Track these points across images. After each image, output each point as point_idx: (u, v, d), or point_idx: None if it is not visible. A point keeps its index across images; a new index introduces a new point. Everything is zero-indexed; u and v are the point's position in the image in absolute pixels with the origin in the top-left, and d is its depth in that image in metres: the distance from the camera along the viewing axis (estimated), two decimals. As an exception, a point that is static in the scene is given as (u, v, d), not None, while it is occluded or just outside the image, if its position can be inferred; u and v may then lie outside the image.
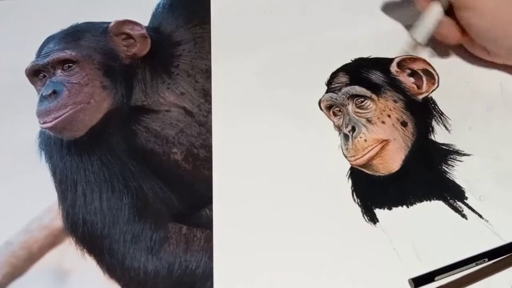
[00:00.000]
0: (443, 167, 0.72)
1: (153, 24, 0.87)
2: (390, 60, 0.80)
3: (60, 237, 0.73)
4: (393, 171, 0.73)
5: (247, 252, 0.69)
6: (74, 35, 0.83)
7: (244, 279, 0.68)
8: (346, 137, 0.75)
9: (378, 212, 0.70)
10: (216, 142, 0.78)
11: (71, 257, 0.72)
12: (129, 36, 0.83)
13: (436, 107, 0.76)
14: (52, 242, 0.73)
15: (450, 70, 0.79)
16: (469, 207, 0.69)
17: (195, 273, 0.70)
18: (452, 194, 0.70)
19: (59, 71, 0.80)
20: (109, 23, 0.83)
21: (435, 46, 0.80)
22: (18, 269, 0.72)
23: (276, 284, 0.67)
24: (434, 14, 0.75)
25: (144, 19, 0.86)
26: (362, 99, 0.76)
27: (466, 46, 0.79)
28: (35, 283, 0.71)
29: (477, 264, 0.64)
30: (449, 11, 0.76)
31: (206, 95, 0.81)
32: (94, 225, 0.73)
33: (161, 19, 0.88)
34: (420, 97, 0.77)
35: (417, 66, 0.79)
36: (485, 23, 0.72)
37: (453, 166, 0.72)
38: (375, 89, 0.77)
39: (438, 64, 0.79)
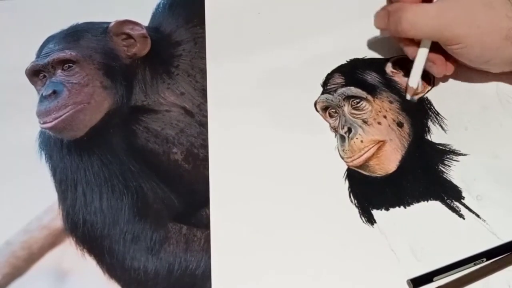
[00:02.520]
0: (440, 167, 0.72)
1: (153, 24, 0.87)
2: (385, 61, 0.81)
3: (60, 237, 0.73)
4: (390, 171, 0.73)
5: (244, 252, 0.69)
6: (74, 35, 0.83)
7: (242, 279, 0.68)
8: (342, 138, 0.75)
9: (376, 213, 0.70)
10: (213, 142, 0.78)
11: (71, 257, 0.72)
12: (129, 36, 0.83)
13: (432, 108, 0.77)
14: (52, 242, 0.73)
15: (445, 70, 0.80)
16: (466, 207, 0.69)
17: (195, 273, 0.70)
18: (449, 194, 0.70)
19: (59, 71, 0.80)
20: (109, 23, 0.83)
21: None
22: (18, 269, 0.72)
23: (273, 285, 0.67)
24: (420, 57, 0.75)
25: (144, 19, 0.86)
26: (357, 100, 0.77)
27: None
28: (35, 283, 0.71)
29: (475, 264, 0.65)
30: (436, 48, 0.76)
31: (206, 95, 0.81)
32: (94, 225, 0.73)
33: (161, 19, 0.87)
34: (416, 97, 0.77)
35: (412, 67, 0.80)
36: (475, 51, 0.72)
37: (449, 166, 0.72)
38: (371, 90, 0.78)
39: (433, 64, 0.80)
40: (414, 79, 0.76)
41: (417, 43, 0.75)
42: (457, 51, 0.72)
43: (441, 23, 0.70)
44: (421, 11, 0.72)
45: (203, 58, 0.84)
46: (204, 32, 0.87)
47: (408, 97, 0.77)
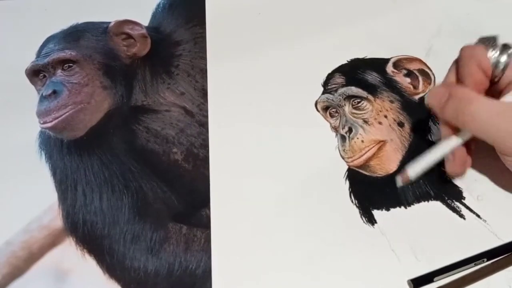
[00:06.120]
0: (441, 167, 0.71)
1: (153, 24, 0.87)
2: (386, 61, 0.80)
3: (60, 237, 0.73)
4: (391, 171, 0.73)
5: (245, 252, 0.69)
6: (74, 35, 0.83)
7: (242, 279, 0.68)
8: (343, 138, 0.75)
9: (376, 213, 0.70)
10: (213, 142, 0.78)
11: (71, 257, 0.72)
12: (129, 36, 0.83)
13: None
14: (52, 242, 0.73)
15: (446, 69, 0.79)
16: (467, 207, 0.69)
17: (195, 273, 0.70)
18: (450, 194, 0.70)
19: (59, 71, 0.80)
20: (109, 23, 0.83)
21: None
22: (18, 269, 0.72)
23: (274, 285, 0.67)
24: (445, 147, 0.67)
25: (144, 19, 0.86)
26: (358, 100, 0.76)
27: None
28: (35, 283, 0.71)
29: (475, 264, 0.64)
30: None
31: (206, 95, 0.81)
32: (94, 225, 0.73)
33: (161, 19, 0.87)
34: (417, 97, 0.77)
35: (413, 66, 0.79)
36: None
37: (451, 166, 0.72)
38: (372, 89, 0.77)
39: (434, 64, 0.79)
40: (418, 169, 0.68)
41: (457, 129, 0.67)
42: None
43: (509, 128, 0.62)
44: (490, 108, 0.63)
45: (203, 58, 0.84)
46: (204, 32, 0.87)
47: (399, 183, 0.69)
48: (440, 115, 0.67)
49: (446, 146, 0.67)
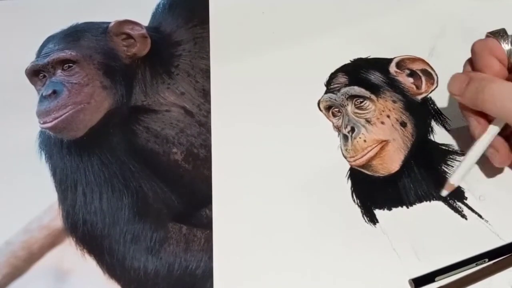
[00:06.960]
0: (443, 167, 0.72)
1: (153, 24, 0.87)
2: (389, 61, 0.80)
3: (60, 237, 0.73)
4: (393, 171, 0.73)
5: (246, 252, 0.69)
6: (74, 35, 0.83)
7: (244, 279, 0.68)
8: (345, 137, 0.75)
9: (378, 212, 0.70)
10: (216, 142, 0.78)
11: (71, 257, 0.72)
12: (129, 36, 0.83)
13: (435, 107, 0.76)
14: (52, 242, 0.74)
15: (449, 70, 0.78)
16: (469, 207, 0.69)
17: (195, 273, 0.70)
18: (452, 194, 0.69)
19: (59, 71, 0.80)
20: (109, 23, 0.83)
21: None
22: (18, 269, 0.72)
23: (275, 285, 0.67)
24: (482, 143, 0.66)
25: (144, 19, 0.86)
26: (361, 100, 0.76)
27: None
28: (35, 283, 0.72)
29: (477, 265, 0.64)
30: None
31: (206, 95, 0.81)
32: (94, 225, 0.73)
33: (161, 19, 0.87)
34: (419, 97, 0.77)
35: (416, 66, 0.79)
36: None
37: (452, 167, 0.71)
38: (374, 89, 0.77)
39: (437, 64, 0.79)
40: (460, 174, 0.68)
41: (488, 123, 0.67)
42: None
43: None
44: (509, 86, 0.63)
45: (203, 58, 0.84)
46: (204, 32, 0.87)
47: (444, 193, 0.69)
48: (461, 100, 0.67)
49: (483, 142, 0.66)
